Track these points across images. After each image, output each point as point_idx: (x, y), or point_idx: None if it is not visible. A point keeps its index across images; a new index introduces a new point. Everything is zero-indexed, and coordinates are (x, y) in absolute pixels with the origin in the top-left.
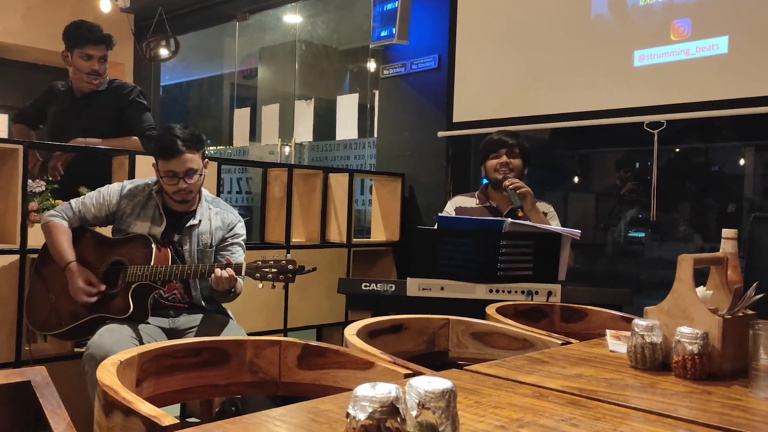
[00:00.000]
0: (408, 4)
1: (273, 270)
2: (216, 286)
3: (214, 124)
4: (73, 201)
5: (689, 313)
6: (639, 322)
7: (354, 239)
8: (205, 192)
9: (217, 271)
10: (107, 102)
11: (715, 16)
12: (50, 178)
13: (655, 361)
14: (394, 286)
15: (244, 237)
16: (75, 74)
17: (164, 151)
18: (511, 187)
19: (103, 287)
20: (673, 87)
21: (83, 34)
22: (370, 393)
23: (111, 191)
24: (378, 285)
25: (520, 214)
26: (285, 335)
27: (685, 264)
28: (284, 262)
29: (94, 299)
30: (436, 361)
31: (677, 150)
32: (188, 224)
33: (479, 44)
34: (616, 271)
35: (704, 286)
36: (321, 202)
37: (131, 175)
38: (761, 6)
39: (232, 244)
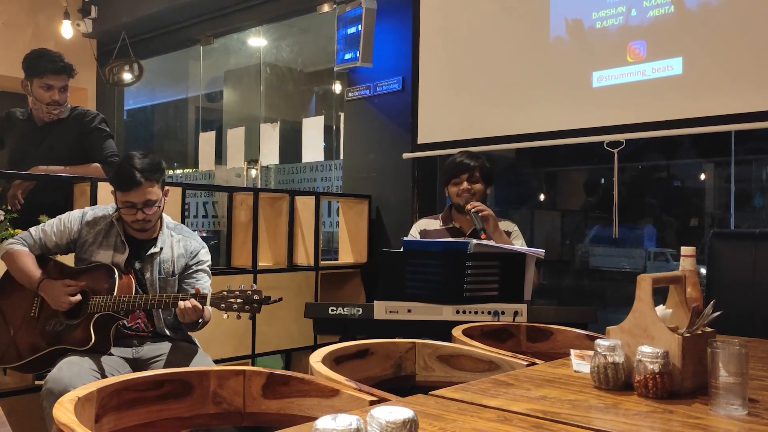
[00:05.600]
0: (371, 27)
1: (238, 300)
2: (182, 319)
3: (180, 148)
4: (32, 229)
5: (650, 332)
6: (601, 342)
7: (322, 262)
8: (167, 218)
9: (181, 303)
10: (69, 130)
11: (669, 38)
12: (9, 208)
13: (617, 380)
14: (361, 309)
15: (209, 263)
16: (35, 104)
17: (122, 183)
18: (473, 210)
19: (82, 283)
20: (631, 107)
21: (43, 64)
22: (331, 425)
23: (72, 218)
24: (345, 309)
25: (483, 237)
26: (253, 361)
27: (644, 284)
28: (250, 292)
29: (78, 298)
30: (404, 385)
31: (639, 167)
32: (150, 252)
33: (442, 66)
34: (582, 288)
35: (664, 304)
36: (288, 225)
37: (93, 202)
38: (713, 29)
39: (197, 271)
